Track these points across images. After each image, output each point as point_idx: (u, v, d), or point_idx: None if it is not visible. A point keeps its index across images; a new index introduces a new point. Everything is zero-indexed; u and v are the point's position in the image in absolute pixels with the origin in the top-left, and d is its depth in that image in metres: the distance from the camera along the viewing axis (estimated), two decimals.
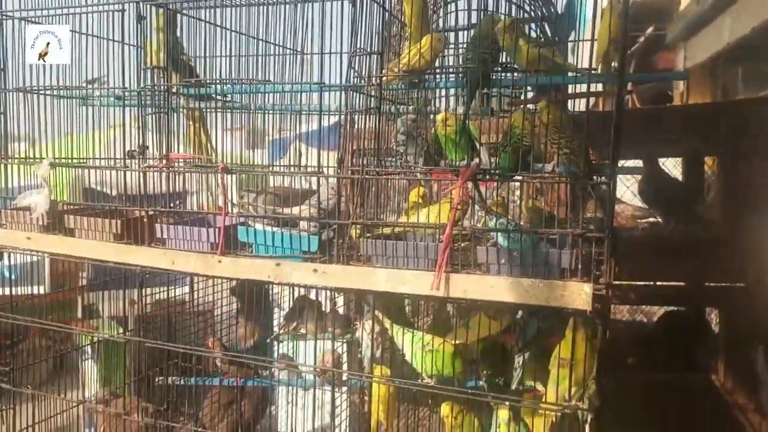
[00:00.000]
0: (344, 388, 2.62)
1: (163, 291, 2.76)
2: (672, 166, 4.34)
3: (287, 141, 3.58)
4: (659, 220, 3.55)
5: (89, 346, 4.92)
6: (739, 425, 3.30)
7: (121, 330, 4.24)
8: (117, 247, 2.37)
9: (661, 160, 3.84)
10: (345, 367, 2.69)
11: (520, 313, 2.45)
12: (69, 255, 2.47)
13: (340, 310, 2.96)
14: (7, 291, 3.01)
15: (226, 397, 3.02)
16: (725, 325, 3.45)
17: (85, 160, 2.56)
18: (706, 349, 3.56)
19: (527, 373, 2.26)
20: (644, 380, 3.38)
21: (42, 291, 4.06)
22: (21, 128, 2.77)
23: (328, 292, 2.75)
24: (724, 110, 3.68)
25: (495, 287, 1.95)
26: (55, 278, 4.07)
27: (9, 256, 2.81)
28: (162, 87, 2.41)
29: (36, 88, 2.53)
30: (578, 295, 1.86)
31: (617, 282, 2.95)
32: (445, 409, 2.22)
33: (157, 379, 2.57)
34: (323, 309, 2.71)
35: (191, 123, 2.64)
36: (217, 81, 2.42)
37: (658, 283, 3.49)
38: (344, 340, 2.55)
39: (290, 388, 2.91)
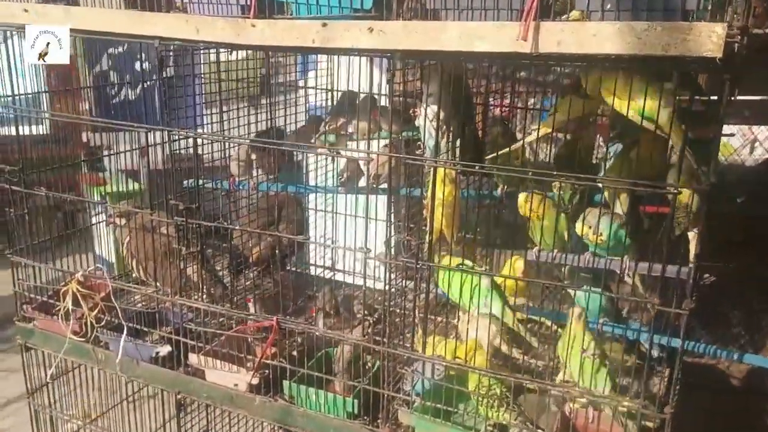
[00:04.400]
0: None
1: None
2: None
3: None
4: None
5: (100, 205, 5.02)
6: None
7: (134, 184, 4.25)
8: (130, 14, 2.25)
9: None
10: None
11: None
12: (74, 29, 2.36)
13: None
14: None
15: (262, 221, 3.02)
16: None
17: None
18: None
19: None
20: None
21: (43, 131, 4.05)
22: None
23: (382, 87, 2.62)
24: None
25: (598, 36, 1.76)
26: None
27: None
28: None
29: None
30: (707, 38, 1.66)
31: None
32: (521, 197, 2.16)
33: (185, 182, 2.54)
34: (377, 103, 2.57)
35: None
36: None
37: None
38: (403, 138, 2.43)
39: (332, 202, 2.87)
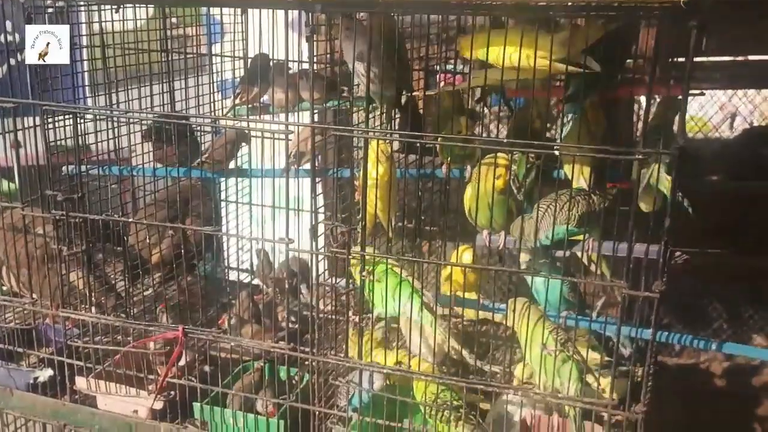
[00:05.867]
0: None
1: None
2: None
3: None
4: None
5: None
6: None
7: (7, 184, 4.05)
8: None
9: None
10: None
11: None
12: None
13: None
14: None
15: (162, 215, 2.94)
16: None
17: None
18: None
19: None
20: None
21: None
22: None
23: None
24: None
25: None
26: None
27: None
28: None
29: None
30: None
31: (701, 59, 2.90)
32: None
33: (63, 169, 2.46)
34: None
35: None
36: None
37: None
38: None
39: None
